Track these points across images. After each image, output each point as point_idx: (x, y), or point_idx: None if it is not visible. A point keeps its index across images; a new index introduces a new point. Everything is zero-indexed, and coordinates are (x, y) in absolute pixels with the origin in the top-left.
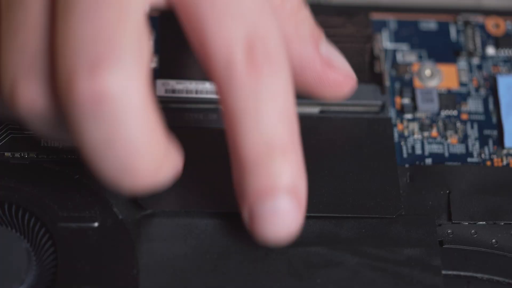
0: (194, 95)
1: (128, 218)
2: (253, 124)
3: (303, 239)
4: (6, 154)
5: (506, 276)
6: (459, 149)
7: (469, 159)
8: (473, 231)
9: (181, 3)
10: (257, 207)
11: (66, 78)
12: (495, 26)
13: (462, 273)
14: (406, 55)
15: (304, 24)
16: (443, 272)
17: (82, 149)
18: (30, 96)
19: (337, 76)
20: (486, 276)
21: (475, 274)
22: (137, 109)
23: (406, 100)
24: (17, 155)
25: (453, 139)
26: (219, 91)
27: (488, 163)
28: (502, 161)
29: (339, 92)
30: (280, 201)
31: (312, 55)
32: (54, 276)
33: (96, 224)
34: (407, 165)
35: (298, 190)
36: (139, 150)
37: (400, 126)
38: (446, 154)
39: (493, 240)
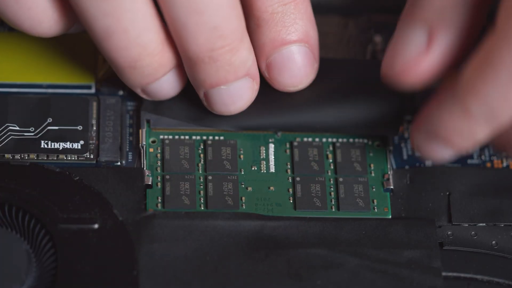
0: None
1: (128, 219)
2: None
3: (303, 240)
4: (6, 155)
5: (506, 277)
6: None
7: (469, 161)
8: (473, 232)
9: None
10: (274, 55)
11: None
12: None
13: (462, 275)
14: None
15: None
16: (443, 273)
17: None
18: None
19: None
20: (486, 278)
21: (475, 276)
22: None
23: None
24: (17, 156)
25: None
26: None
27: (488, 164)
28: (502, 162)
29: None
30: (294, 47)
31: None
32: (54, 277)
33: (96, 226)
34: (407, 167)
35: (310, 37)
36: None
37: (400, 128)
38: None
39: (493, 242)
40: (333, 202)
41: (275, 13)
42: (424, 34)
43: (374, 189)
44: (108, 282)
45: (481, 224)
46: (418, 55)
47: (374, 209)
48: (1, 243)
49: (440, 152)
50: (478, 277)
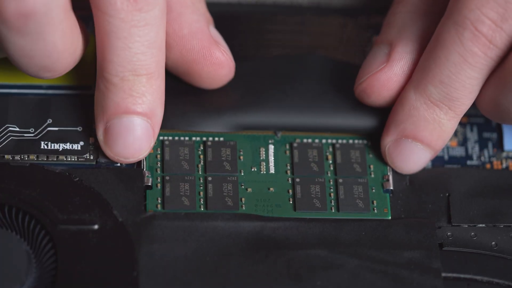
0: None
1: (128, 220)
2: (124, 47)
3: (303, 241)
4: (6, 156)
5: (505, 278)
6: (459, 152)
7: (468, 162)
8: (472, 233)
9: None
10: (114, 120)
11: None
12: None
13: (462, 276)
14: None
15: (202, 2)
16: (443, 274)
17: (9, 55)
18: None
19: (221, 54)
20: (485, 279)
21: (474, 277)
22: (59, 20)
23: None
24: (17, 157)
25: (452, 142)
26: (95, 11)
27: (488, 165)
28: (501, 164)
29: (218, 72)
30: (136, 118)
31: (203, 27)
32: (54, 278)
33: (96, 227)
34: None
35: (155, 115)
36: (59, 53)
37: None
38: (446, 157)
39: (493, 243)
40: (332, 203)
41: (126, 80)
42: (386, 49)
43: (373, 190)
44: (108, 283)
45: (480, 225)
46: (380, 67)
47: (373, 210)
48: (1, 244)
49: (412, 153)
50: (478, 277)
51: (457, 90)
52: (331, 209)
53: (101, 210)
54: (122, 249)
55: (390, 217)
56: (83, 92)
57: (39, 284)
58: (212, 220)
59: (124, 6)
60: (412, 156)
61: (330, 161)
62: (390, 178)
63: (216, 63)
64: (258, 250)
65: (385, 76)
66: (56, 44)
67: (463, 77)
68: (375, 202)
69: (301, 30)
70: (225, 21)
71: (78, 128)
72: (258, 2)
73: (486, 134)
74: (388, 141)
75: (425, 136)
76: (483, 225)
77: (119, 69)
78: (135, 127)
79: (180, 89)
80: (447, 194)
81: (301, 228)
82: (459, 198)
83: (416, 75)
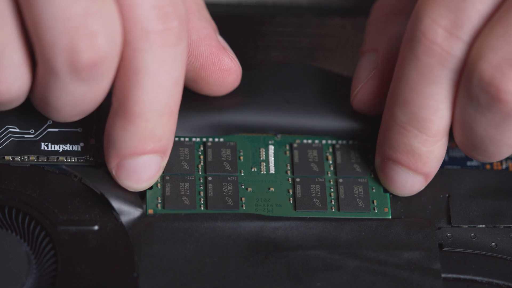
0: None
1: (128, 221)
2: (154, 86)
3: (303, 242)
4: (6, 157)
5: (505, 279)
6: (459, 152)
7: (468, 163)
8: (472, 234)
9: None
10: (129, 161)
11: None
12: None
13: (461, 276)
14: None
15: (206, 10)
16: (443, 275)
17: (50, 104)
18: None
19: (229, 61)
20: (485, 279)
21: (474, 277)
22: (115, 68)
23: None
24: (17, 158)
25: (452, 143)
26: (124, 47)
27: (488, 166)
28: (501, 164)
29: (226, 79)
30: (152, 157)
31: (211, 33)
32: (54, 279)
33: (96, 228)
34: None
35: (168, 149)
36: (101, 98)
37: None
38: (446, 158)
39: (493, 243)
40: (333, 203)
41: (149, 123)
42: (373, 56)
43: (374, 190)
44: (108, 284)
45: (480, 225)
46: (371, 74)
47: (374, 209)
48: (1, 245)
49: (397, 176)
50: (478, 278)
51: (421, 110)
52: (332, 208)
53: (101, 211)
54: (122, 250)
55: (390, 217)
56: None
57: (39, 285)
58: (212, 221)
59: (157, 39)
60: (397, 178)
61: (330, 162)
62: None
63: (224, 69)
64: (258, 252)
65: (377, 82)
66: (106, 90)
67: (425, 95)
68: (375, 202)
69: (301, 31)
70: (224, 22)
71: (78, 129)
72: (258, 3)
73: None
74: (376, 162)
75: (402, 159)
76: (483, 225)
77: (144, 110)
78: (150, 166)
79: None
80: (447, 195)
81: (301, 228)
82: (459, 198)
83: (387, 97)
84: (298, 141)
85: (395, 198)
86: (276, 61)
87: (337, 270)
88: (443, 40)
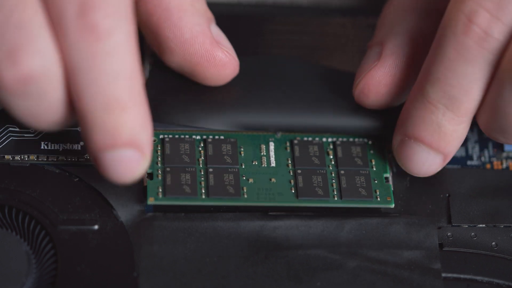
0: None
1: (128, 221)
2: (90, 82)
3: (303, 242)
4: (6, 157)
5: (505, 278)
6: (459, 152)
7: (469, 162)
8: (472, 233)
9: None
10: (100, 156)
11: None
12: None
13: (462, 276)
14: None
15: (200, 2)
16: (443, 275)
17: (16, 117)
18: None
19: (224, 56)
20: (486, 279)
21: (475, 277)
22: (56, 81)
23: None
24: (17, 157)
25: None
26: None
27: (488, 166)
28: (501, 164)
29: (222, 72)
30: (120, 153)
31: (204, 29)
32: (54, 279)
33: (96, 227)
34: None
35: (140, 141)
36: (57, 110)
37: None
38: None
39: (493, 243)
40: (335, 192)
41: (98, 118)
42: (378, 49)
43: (376, 181)
44: (108, 284)
45: (480, 225)
46: (373, 66)
47: (377, 198)
48: (1, 244)
49: (417, 155)
50: (478, 278)
51: (453, 88)
52: (334, 197)
53: (101, 210)
54: (122, 250)
55: (393, 205)
56: None
57: (39, 284)
58: (212, 221)
59: (78, 36)
60: (416, 157)
61: (331, 156)
62: (390, 179)
63: (219, 64)
64: (258, 251)
65: (379, 73)
66: (61, 99)
67: (459, 74)
68: (377, 191)
69: (301, 30)
70: (225, 21)
71: (78, 129)
72: (258, 2)
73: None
74: (395, 140)
75: (426, 137)
76: (483, 225)
77: (88, 107)
78: (120, 160)
79: (181, 85)
80: (447, 194)
81: (301, 228)
82: (459, 198)
83: (419, 76)
84: (298, 138)
85: (395, 198)
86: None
87: (337, 270)
88: (485, 22)
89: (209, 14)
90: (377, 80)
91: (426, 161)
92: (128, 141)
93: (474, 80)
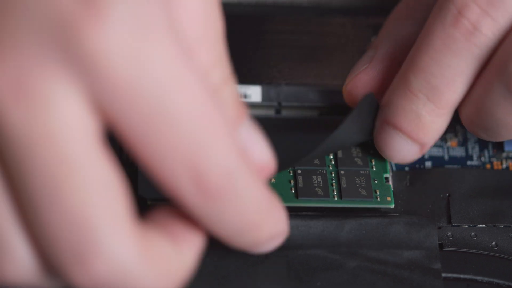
0: None
1: None
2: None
3: (303, 242)
4: None
5: (506, 278)
6: (459, 152)
7: (468, 162)
8: (473, 233)
9: (121, 130)
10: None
11: (62, 268)
12: None
13: (462, 276)
14: None
15: (228, 103)
16: (443, 275)
17: None
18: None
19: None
20: (486, 279)
21: (475, 277)
22: (137, 267)
23: None
24: None
25: (452, 142)
26: None
27: (488, 166)
28: (501, 164)
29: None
30: (267, 246)
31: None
32: None
33: None
34: (407, 169)
35: (280, 233)
36: None
37: None
38: (446, 157)
39: (493, 243)
40: (335, 193)
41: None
42: (372, 53)
43: (376, 181)
44: None
45: (480, 225)
46: (362, 69)
47: (377, 198)
48: None
49: (394, 142)
50: (478, 278)
51: (436, 79)
52: (334, 197)
53: None
54: None
55: (393, 205)
56: None
57: None
58: None
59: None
60: (393, 144)
61: (331, 157)
62: (390, 179)
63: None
64: None
65: (367, 76)
66: None
67: (443, 65)
68: (377, 191)
69: (301, 30)
70: (224, 21)
71: None
72: (258, 2)
73: None
74: (375, 126)
75: (404, 126)
76: (483, 225)
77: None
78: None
79: None
80: (447, 194)
81: (301, 228)
82: (459, 198)
83: (403, 64)
84: None
85: (395, 198)
86: (276, 60)
87: (337, 270)
88: (475, 16)
89: (239, 112)
90: (364, 83)
91: (403, 149)
92: (272, 237)
93: (458, 73)
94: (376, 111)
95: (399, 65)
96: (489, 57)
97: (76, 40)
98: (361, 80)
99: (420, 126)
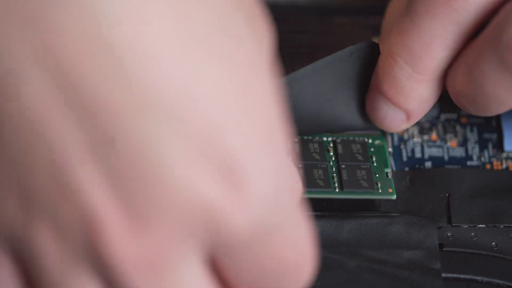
0: None
1: None
2: None
3: None
4: None
5: (505, 279)
6: (459, 152)
7: (468, 163)
8: (472, 234)
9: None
10: None
11: None
12: None
13: (462, 276)
14: None
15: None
16: (443, 275)
17: None
18: None
19: None
20: (486, 279)
21: (475, 277)
22: None
23: None
24: None
25: (452, 142)
26: None
27: (488, 166)
28: (501, 164)
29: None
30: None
31: None
32: None
33: None
34: (406, 169)
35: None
36: None
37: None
38: (446, 158)
39: (493, 243)
40: (336, 184)
41: None
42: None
43: (377, 175)
44: None
45: (480, 225)
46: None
47: (378, 190)
48: None
49: (379, 107)
50: (478, 278)
51: (413, 42)
52: (335, 188)
53: None
54: None
55: (395, 197)
56: None
57: None
58: None
59: None
60: (379, 109)
61: (332, 153)
62: (391, 174)
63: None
64: None
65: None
66: None
67: (422, 28)
68: (379, 183)
69: (301, 30)
70: None
71: None
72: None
73: (486, 135)
74: (367, 92)
75: (385, 91)
76: (483, 225)
77: None
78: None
79: None
80: (447, 195)
81: None
82: (459, 198)
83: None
84: (298, 137)
85: (396, 196)
86: (276, 59)
87: (337, 270)
88: None
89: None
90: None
91: (388, 114)
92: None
93: (437, 36)
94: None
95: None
96: (475, 25)
97: (218, 223)
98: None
99: (399, 91)
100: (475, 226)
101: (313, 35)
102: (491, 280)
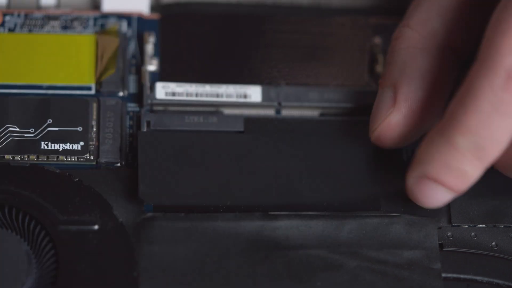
0: (194, 98)
1: (128, 221)
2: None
3: (303, 241)
4: (6, 156)
5: (505, 279)
6: None
7: None
8: (473, 234)
9: None
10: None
11: None
12: None
13: (462, 276)
14: None
15: None
16: (443, 275)
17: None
18: None
19: None
20: (486, 279)
21: (475, 277)
22: None
23: None
24: (17, 157)
25: None
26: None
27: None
28: None
29: None
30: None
31: None
32: (54, 279)
33: (96, 227)
34: None
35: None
36: None
37: None
38: None
39: (493, 243)
40: None
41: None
42: (391, 93)
43: None
44: (108, 284)
45: (481, 225)
46: (388, 113)
47: None
48: (1, 244)
49: (434, 194)
50: (478, 278)
51: (485, 140)
52: None
53: (101, 210)
54: (122, 250)
55: None
56: (83, 92)
57: (39, 284)
58: (212, 221)
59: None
60: (433, 196)
61: None
62: None
63: None
64: (258, 251)
65: (395, 121)
66: None
67: (493, 127)
68: None
69: (301, 30)
70: (224, 21)
71: (78, 128)
72: (258, 2)
73: None
74: (412, 178)
75: (448, 182)
76: (483, 225)
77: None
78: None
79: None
80: None
81: (302, 228)
82: (459, 198)
83: (444, 121)
84: None
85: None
86: (276, 60)
87: (337, 270)
88: None
89: None
90: (393, 128)
91: (443, 199)
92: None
93: (507, 132)
94: None
95: (423, 104)
96: None
97: None
98: (390, 125)
99: (465, 181)
100: (475, 226)
101: (313, 35)
102: (491, 280)
